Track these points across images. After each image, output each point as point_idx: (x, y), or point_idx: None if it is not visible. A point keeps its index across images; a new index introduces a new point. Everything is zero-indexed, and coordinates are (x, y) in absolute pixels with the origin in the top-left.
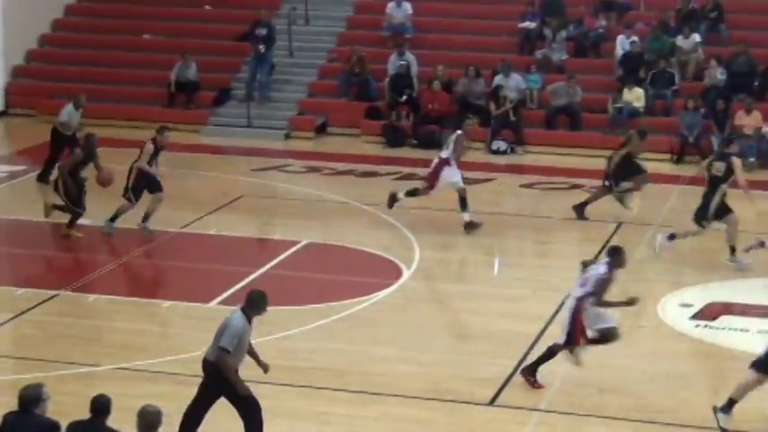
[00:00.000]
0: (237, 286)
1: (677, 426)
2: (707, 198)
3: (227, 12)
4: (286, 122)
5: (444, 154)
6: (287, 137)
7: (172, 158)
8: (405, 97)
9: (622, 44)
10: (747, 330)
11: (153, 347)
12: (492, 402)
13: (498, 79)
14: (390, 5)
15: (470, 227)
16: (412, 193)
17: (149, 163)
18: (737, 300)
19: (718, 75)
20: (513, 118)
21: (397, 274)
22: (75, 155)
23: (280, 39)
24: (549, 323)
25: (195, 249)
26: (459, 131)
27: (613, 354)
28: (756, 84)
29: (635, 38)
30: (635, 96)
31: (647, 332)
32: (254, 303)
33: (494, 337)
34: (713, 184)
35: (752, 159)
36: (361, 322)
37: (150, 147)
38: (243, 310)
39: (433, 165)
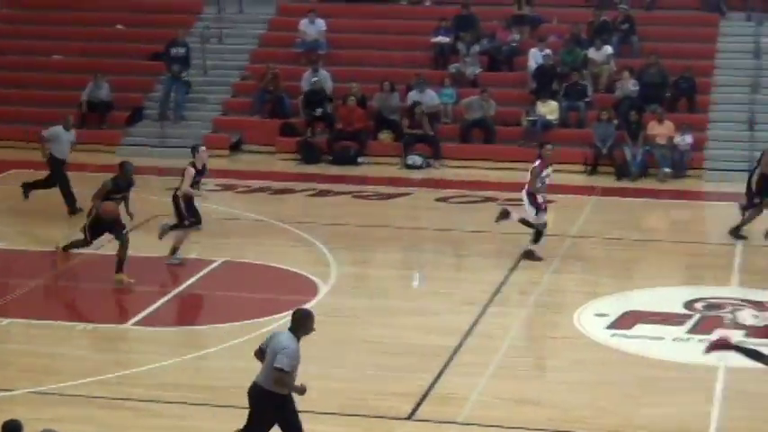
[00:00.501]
0: (153, 306)
1: None
2: None
3: (140, 31)
4: (200, 141)
5: (529, 187)
6: None
7: (85, 179)
8: (319, 111)
9: (535, 57)
10: (662, 338)
11: (68, 370)
12: (410, 417)
13: (413, 95)
14: (303, 22)
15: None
16: (536, 238)
17: (193, 186)
18: (652, 308)
19: (630, 86)
20: (431, 132)
21: (314, 290)
22: (103, 183)
23: (193, 57)
24: (466, 336)
25: (110, 270)
26: (537, 161)
27: (530, 365)
28: (668, 94)
29: (548, 51)
30: (549, 109)
31: (563, 342)
32: (300, 322)
33: (411, 352)
34: None
35: (666, 169)
36: None
37: (192, 171)
38: (291, 330)
39: (526, 203)
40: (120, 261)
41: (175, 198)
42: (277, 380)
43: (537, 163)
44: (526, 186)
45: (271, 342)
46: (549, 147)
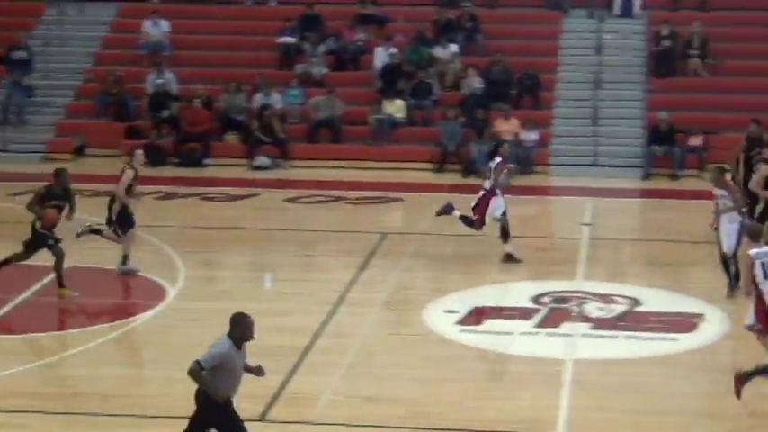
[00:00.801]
0: None
1: (449, 430)
2: None
3: None
4: (43, 145)
5: (488, 185)
6: (44, 160)
7: None
8: (166, 114)
9: (381, 56)
10: (511, 333)
11: None
12: (262, 418)
13: (260, 97)
14: (146, 24)
15: (510, 259)
16: (465, 221)
17: (128, 191)
18: (501, 303)
19: (475, 84)
20: (282, 135)
21: (162, 294)
22: (37, 191)
23: (35, 61)
24: (316, 336)
25: None
26: (497, 159)
27: (381, 362)
28: (513, 91)
29: (393, 50)
30: (395, 108)
31: (413, 339)
32: (233, 325)
33: (261, 353)
34: None
35: (511, 166)
36: (126, 345)
37: (130, 173)
38: (228, 334)
39: (478, 197)
40: (59, 275)
41: (112, 200)
42: (191, 370)
43: (498, 160)
44: (487, 185)
45: None
46: (506, 144)
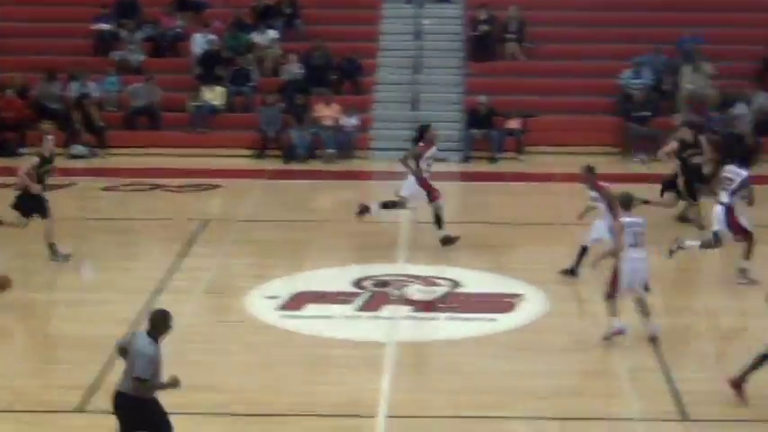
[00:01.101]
0: None
1: (272, 415)
2: None
3: None
4: None
5: (412, 172)
6: None
7: None
8: None
9: (200, 43)
10: (332, 317)
11: None
12: (80, 409)
13: (76, 86)
14: None
15: (363, 211)
16: (438, 222)
17: (40, 177)
18: (322, 288)
19: (295, 69)
20: (101, 123)
21: None
22: None
23: None
24: (136, 325)
25: None
26: (420, 143)
27: (203, 350)
28: (334, 76)
29: (212, 36)
30: (214, 94)
31: (234, 327)
32: (156, 323)
33: (81, 343)
34: None
35: (331, 150)
36: None
37: (35, 159)
38: (148, 333)
39: (418, 183)
40: None
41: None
42: (137, 389)
43: (420, 145)
44: (413, 173)
45: (131, 344)
46: (431, 127)
